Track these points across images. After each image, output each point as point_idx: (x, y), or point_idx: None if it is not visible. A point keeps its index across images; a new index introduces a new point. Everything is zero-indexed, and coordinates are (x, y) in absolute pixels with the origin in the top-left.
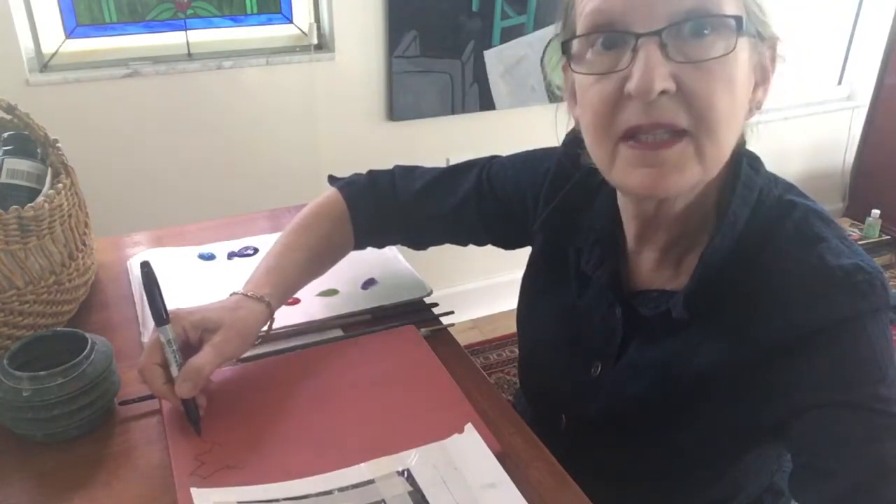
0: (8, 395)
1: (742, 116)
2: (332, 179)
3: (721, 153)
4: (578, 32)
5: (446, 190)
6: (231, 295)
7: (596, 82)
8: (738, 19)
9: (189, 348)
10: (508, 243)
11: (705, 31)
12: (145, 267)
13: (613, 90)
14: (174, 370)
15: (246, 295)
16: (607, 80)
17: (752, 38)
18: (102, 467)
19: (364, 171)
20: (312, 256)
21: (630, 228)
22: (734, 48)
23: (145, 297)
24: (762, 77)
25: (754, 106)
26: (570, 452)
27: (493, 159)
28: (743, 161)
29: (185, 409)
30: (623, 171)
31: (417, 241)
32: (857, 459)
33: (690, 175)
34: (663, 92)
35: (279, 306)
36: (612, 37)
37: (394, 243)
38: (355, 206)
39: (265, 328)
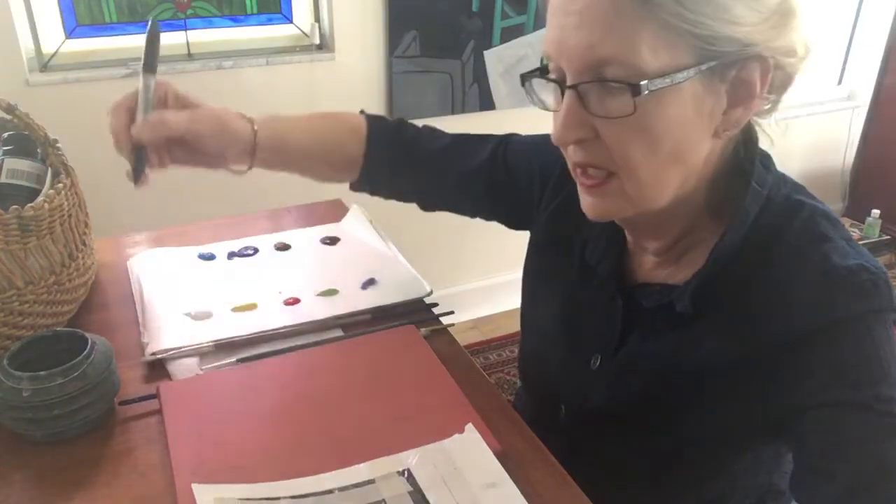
0: (8, 395)
1: (690, 150)
2: (363, 113)
3: (650, 190)
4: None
5: (462, 156)
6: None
7: (554, 111)
8: (634, 86)
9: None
10: (511, 221)
11: (614, 87)
12: (153, 22)
13: None
14: (140, 116)
15: (242, 114)
16: (556, 115)
17: (704, 73)
18: (102, 467)
19: None
20: (318, 139)
21: (625, 230)
22: (633, 111)
23: (145, 45)
24: (745, 95)
25: (731, 126)
26: (569, 445)
27: (512, 136)
28: (756, 160)
29: (135, 157)
30: (580, 193)
31: (425, 195)
32: (858, 460)
33: (623, 209)
34: (583, 139)
35: (266, 146)
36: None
37: (397, 190)
38: (375, 137)
39: (248, 156)
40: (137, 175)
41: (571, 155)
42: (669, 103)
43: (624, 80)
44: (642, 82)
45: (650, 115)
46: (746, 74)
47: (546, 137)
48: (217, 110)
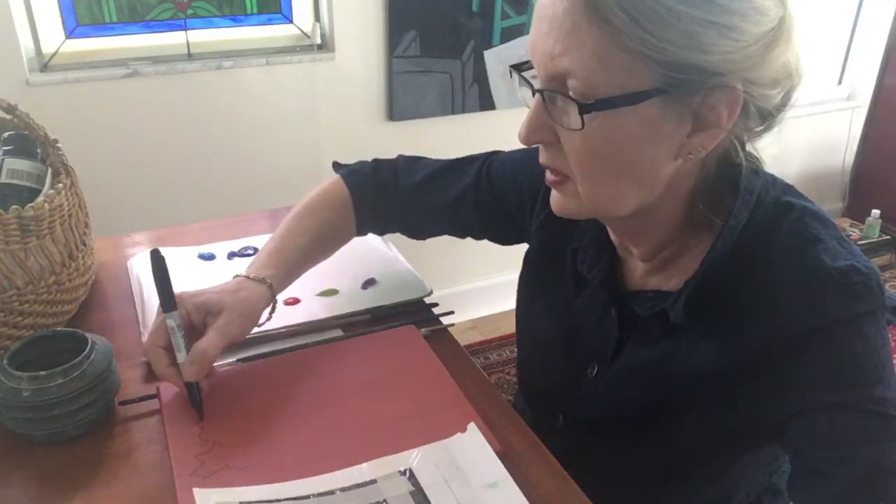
0: (8, 395)
1: (645, 169)
2: (337, 166)
3: (603, 200)
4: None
5: (446, 183)
6: (234, 277)
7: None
8: (582, 105)
9: (192, 331)
10: (504, 239)
11: (569, 99)
12: (156, 253)
13: None
14: (181, 356)
15: (248, 277)
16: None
17: (664, 98)
18: (102, 467)
19: None
20: (315, 241)
21: (612, 235)
22: (582, 126)
23: (154, 284)
24: (710, 122)
25: (694, 150)
26: (567, 452)
27: (494, 154)
28: (743, 166)
29: (189, 393)
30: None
31: (416, 231)
32: (853, 461)
33: (580, 210)
34: (545, 142)
35: (281, 289)
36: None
37: (393, 231)
38: (357, 195)
39: (268, 311)
40: (198, 406)
41: (539, 155)
42: (621, 124)
43: (575, 97)
44: (590, 101)
45: (598, 133)
46: (713, 102)
47: (529, 151)
48: (234, 299)
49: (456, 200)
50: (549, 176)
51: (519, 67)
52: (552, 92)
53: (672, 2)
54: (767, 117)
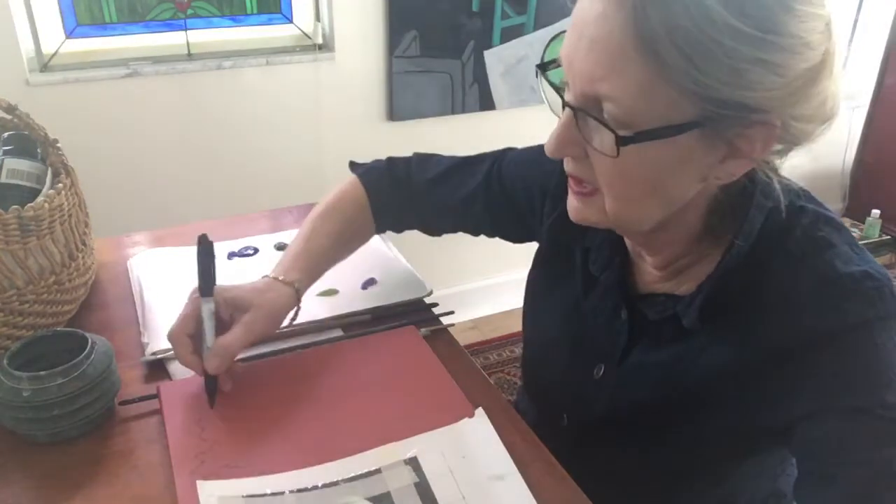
0: (8, 395)
1: (672, 191)
2: (353, 165)
3: (628, 216)
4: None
5: (457, 181)
6: (262, 278)
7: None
8: (620, 137)
9: (218, 324)
10: (515, 238)
11: (602, 124)
12: (204, 238)
13: None
14: (209, 340)
15: (276, 279)
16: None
17: (706, 129)
18: (102, 467)
19: None
20: (338, 242)
21: (626, 239)
22: (616, 155)
23: (197, 269)
24: (743, 152)
25: (723, 177)
26: (571, 452)
27: (506, 152)
28: (758, 173)
29: (206, 382)
30: (568, 195)
31: (432, 227)
32: (861, 466)
33: (602, 221)
34: (573, 156)
35: (305, 290)
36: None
37: (410, 227)
38: (374, 194)
39: (293, 313)
40: (212, 398)
41: (565, 164)
42: (655, 152)
43: (612, 124)
44: (630, 133)
45: (631, 160)
46: (749, 135)
47: (542, 150)
48: (262, 299)
49: (467, 198)
50: (574, 186)
51: (545, 67)
52: (586, 113)
53: (725, 38)
54: (789, 145)
